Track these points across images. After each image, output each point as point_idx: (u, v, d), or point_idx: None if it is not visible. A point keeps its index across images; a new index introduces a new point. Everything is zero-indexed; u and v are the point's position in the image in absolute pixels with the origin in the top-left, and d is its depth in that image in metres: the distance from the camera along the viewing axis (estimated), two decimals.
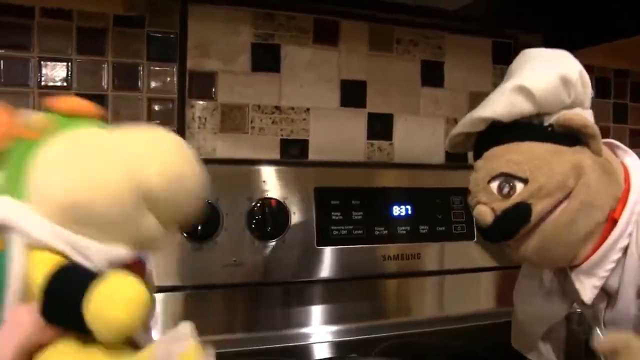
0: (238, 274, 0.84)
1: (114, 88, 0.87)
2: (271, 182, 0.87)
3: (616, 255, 0.53)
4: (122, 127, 0.44)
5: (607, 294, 0.57)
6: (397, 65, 1.05)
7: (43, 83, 0.84)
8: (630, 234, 0.53)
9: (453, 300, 1.01)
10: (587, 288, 0.55)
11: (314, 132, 0.99)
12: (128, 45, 0.87)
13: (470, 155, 0.62)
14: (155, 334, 0.45)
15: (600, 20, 1.02)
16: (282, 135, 0.97)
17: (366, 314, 0.94)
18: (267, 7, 0.95)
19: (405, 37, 1.05)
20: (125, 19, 0.87)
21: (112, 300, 0.36)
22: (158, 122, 0.88)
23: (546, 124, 0.54)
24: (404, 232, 0.95)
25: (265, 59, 0.95)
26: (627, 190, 0.54)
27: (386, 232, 0.94)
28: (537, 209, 0.51)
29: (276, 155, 0.97)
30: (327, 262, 0.89)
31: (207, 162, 0.46)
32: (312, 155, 0.99)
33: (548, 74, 0.53)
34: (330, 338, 0.91)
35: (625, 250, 0.53)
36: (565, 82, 0.53)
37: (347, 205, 0.92)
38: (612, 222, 0.53)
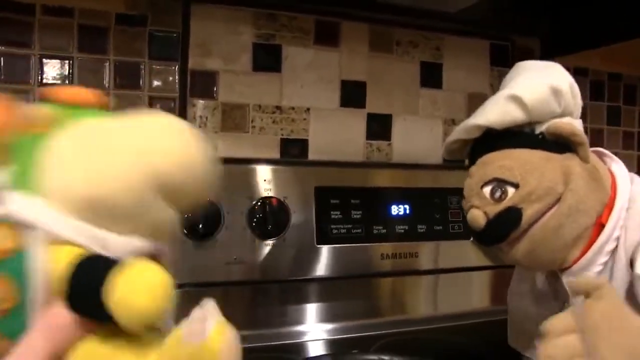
0: (239, 272, 0.85)
1: (116, 86, 0.87)
2: (271, 181, 0.88)
3: (604, 258, 0.55)
4: (128, 116, 0.44)
5: None
6: (397, 67, 1.06)
7: (44, 80, 0.84)
8: (617, 238, 0.55)
9: (450, 298, 1.02)
10: None
11: (314, 132, 1.00)
12: (130, 43, 0.88)
13: None
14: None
15: (595, 25, 1.04)
16: (282, 135, 0.97)
17: (365, 312, 0.96)
18: (269, 8, 0.95)
19: (404, 39, 1.06)
20: (128, 17, 0.87)
21: (135, 288, 0.36)
22: None
23: (537, 132, 0.56)
24: (402, 231, 0.96)
25: (267, 59, 0.96)
26: (614, 196, 0.56)
27: (384, 231, 0.95)
28: (528, 213, 0.53)
29: (276, 154, 0.97)
30: (327, 261, 0.90)
31: None
32: (312, 155, 0.99)
33: (540, 84, 0.55)
34: (328, 335, 0.92)
35: (613, 253, 0.55)
36: (556, 92, 0.55)
37: (347, 204, 0.93)
38: (600, 226, 0.55)
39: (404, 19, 1.03)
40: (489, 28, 1.11)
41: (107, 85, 0.87)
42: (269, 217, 0.86)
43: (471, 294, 1.05)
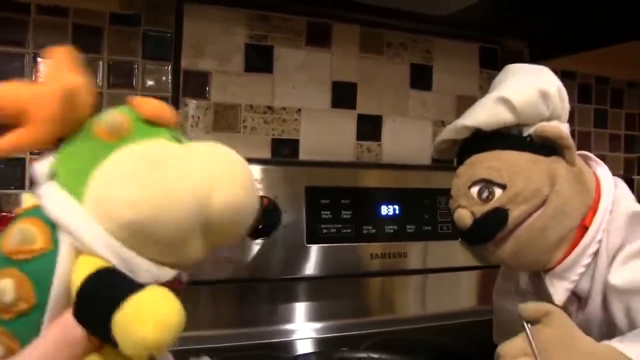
0: (229, 270, 0.86)
1: (109, 86, 0.88)
2: (262, 181, 0.89)
3: (586, 260, 0.56)
4: (193, 143, 0.44)
5: (578, 297, 0.60)
6: (387, 68, 1.07)
7: (38, 79, 0.84)
8: (599, 241, 0.56)
9: (438, 298, 1.03)
10: (559, 290, 0.58)
11: (305, 132, 1.01)
12: (124, 43, 0.88)
13: None
14: None
15: (582, 29, 1.05)
16: (273, 135, 0.98)
17: (353, 311, 0.96)
18: (262, 9, 0.96)
19: (395, 41, 1.07)
20: (122, 17, 0.88)
21: (144, 315, 0.34)
22: None
23: (525, 134, 0.57)
24: (391, 231, 0.97)
25: (259, 60, 0.97)
26: (598, 199, 0.57)
27: (374, 230, 0.96)
28: (514, 214, 0.55)
29: (267, 154, 0.98)
30: (317, 260, 0.91)
31: None
32: (303, 155, 1.00)
33: (528, 87, 0.57)
34: (317, 334, 0.92)
35: (595, 255, 0.56)
36: (544, 95, 0.56)
37: (337, 204, 0.94)
38: (583, 229, 0.56)
39: (394, 22, 1.04)
40: (479, 31, 1.12)
41: (100, 84, 0.87)
42: (259, 216, 0.86)
43: (459, 294, 1.06)
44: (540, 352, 0.46)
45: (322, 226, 0.92)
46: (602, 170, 0.60)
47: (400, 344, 0.90)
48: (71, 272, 0.38)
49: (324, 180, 0.94)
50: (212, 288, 0.87)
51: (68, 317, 0.37)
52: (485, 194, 0.56)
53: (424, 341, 0.93)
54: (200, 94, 0.93)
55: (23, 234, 0.38)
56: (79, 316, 0.37)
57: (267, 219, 0.87)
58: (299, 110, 1.00)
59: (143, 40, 0.89)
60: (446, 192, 0.63)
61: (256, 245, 0.87)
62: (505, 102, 0.56)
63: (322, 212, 0.92)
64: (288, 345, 0.88)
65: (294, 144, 1.00)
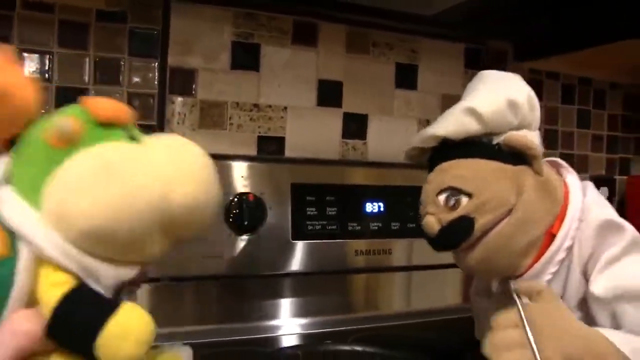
0: (215, 266, 0.86)
1: (95, 82, 0.88)
2: (248, 178, 0.89)
3: (554, 267, 0.57)
4: (150, 139, 0.43)
5: None
6: (373, 67, 1.08)
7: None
8: (568, 249, 0.56)
9: (423, 295, 1.05)
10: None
11: (291, 130, 1.01)
12: (110, 40, 0.88)
13: None
14: None
15: (566, 31, 1.07)
16: (259, 133, 0.99)
17: (338, 307, 0.97)
18: (249, 7, 0.96)
19: (381, 41, 1.08)
20: (108, 14, 0.88)
21: (124, 336, 0.38)
22: (138, 116, 0.89)
23: (494, 142, 0.58)
24: (376, 228, 0.98)
25: (245, 58, 0.97)
26: (566, 207, 0.57)
27: (359, 227, 0.97)
28: (480, 222, 0.55)
29: (253, 151, 0.98)
30: (302, 256, 0.92)
31: None
32: (289, 153, 1.01)
33: (496, 96, 0.57)
34: (302, 330, 0.93)
35: (568, 264, 0.57)
36: (513, 105, 0.57)
37: (322, 201, 0.94)
38: (551, 236, 0.57)
39: (380, 21, 1.05)
40: (464, 32, 1.13)
41: (87, 80, 0.87)
42: (245, 213, 0.87)
43: (444, 291, 1.08)
44: (531, 325, 0.47)
45: (308, 223, 0.93)
46: (572, 178, 0.61)
47: (385, 340, 0.91)
48: (32, 281, 0.38)
49: (309, 177, 0.95)
50: (198, 284, 0.88)
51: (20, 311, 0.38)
52: (451, 202, 0.56)
53: (408, 337, 0.93)
54: (186, 91, 0.94)
55: None
56: (54, 334, 0.38)
57: (252, 215, 0.88)
58: (285, 108, 1.01)
59: (129, 37, 0.89)
60: None
61: (242, 242, 0.88)
62: (473, 112, 0.56)
63: (307, 209, 0.93)
64: (273, 341, 0.88)
65: (279, 142, 1.01)
